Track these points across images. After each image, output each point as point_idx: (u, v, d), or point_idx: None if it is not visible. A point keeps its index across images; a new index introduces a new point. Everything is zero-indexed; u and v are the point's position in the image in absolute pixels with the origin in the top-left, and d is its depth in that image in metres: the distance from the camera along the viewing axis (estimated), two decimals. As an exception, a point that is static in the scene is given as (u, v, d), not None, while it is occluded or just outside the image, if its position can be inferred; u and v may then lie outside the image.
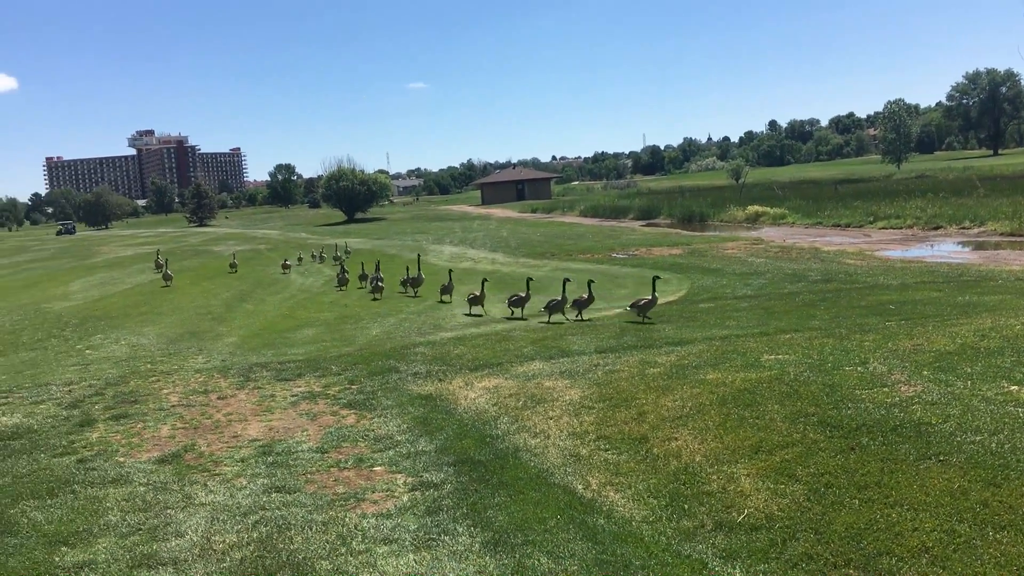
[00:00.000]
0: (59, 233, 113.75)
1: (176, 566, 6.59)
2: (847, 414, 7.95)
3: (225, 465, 9.08)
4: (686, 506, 7.00)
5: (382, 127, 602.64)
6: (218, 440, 10.05)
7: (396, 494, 7.95)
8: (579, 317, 17.88)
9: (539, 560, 6.31)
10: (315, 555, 6.68)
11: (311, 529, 7.19)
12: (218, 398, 12.21)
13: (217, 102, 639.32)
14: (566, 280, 18.43)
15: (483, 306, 19.92)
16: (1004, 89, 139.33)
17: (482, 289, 20.06)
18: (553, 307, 17.87)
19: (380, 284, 25.31)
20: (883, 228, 41.55)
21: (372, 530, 7.11)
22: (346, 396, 11.87)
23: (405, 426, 10.19)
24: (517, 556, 6.40)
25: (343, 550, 6.75)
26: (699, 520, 6.72)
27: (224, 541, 7.00)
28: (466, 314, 19.96)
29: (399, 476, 8.45)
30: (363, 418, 10.70)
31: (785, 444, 7.62)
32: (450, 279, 23.20)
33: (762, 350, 11.54)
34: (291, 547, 6.84)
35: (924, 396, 8.15)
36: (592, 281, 18.75)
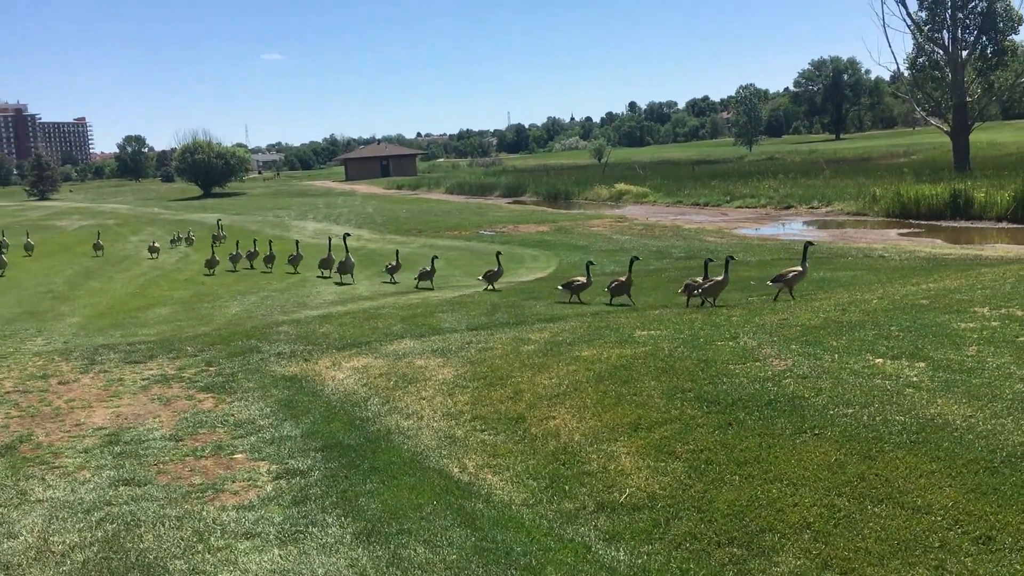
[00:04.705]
0: None
1: (8, 571, 5.90)
2: (723, 389, 7.93)
3: (66, 457, 8.29)
4: (567, 487, 6.80)
5: (239, 99, 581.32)
6: (58, 429, 9.20)
7: (259, 483, 7.43)
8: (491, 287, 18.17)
9: (415, 550, 5.97)
10: (168, 554, 6.12)
11: (164, 525, 6.61)
12: (59, 383, 11.24)
13: (59, 69, 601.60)
14: (498, 254, 18.61)
15: (431, 281, 19.22)
16: (846, 76, 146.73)
17: (432, 265, 19.32)
18: (491, 276, 17.93)
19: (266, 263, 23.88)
20: (739, 207, 42.97)
21: (233, 524, 6.59)
22: (203, 379, 11.14)
23: (268, 410, 9.61)
24: (392, 547, 6.04)
25: (200, 547, 6.21)
26: (580, 502, 6.53)
27: (64, 542, 6.34)
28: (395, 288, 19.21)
29: (262, 464, 7.92)
30: (222, 402, 10.05)
31: (663, 421, 7.53)
32: (347, 255, 21.35)
33: (634, 326, 11.50)
34: (141, 546, 6.26)
35: (795, 370, 8.23)
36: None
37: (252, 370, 11.50)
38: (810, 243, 15.49)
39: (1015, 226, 28.92)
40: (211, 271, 24.33)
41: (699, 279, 14.19)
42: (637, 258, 16.69)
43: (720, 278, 13.79)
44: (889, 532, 5.34)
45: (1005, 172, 37.60)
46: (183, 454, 8.26)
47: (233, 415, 9.47)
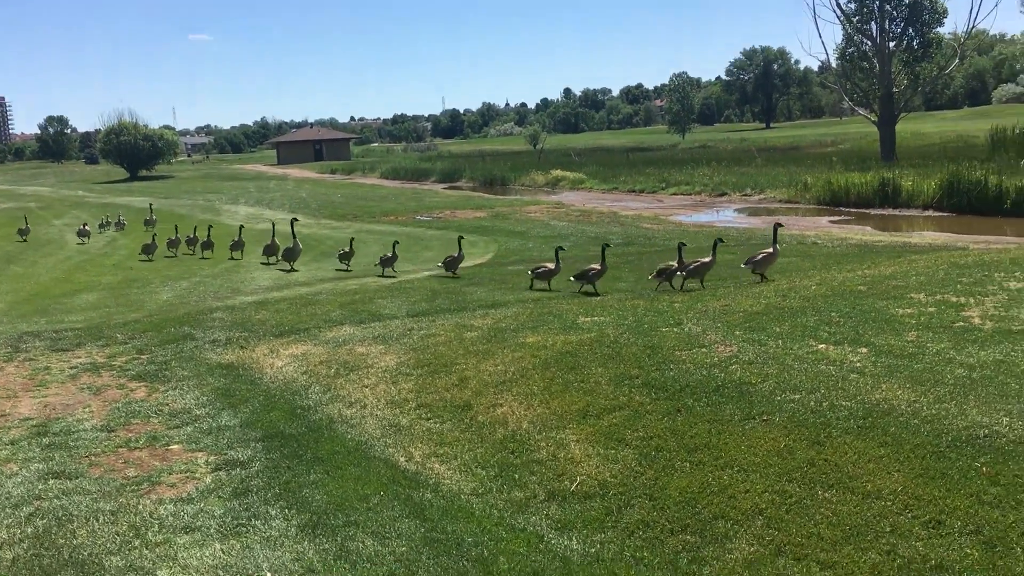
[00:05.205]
0: None
1: (-71, 573, 5.58)
2: (670, 376, 7.92)
3: (-9, 450, 7.91)
4: (516, 476, 6.70)
5: (165, 80, 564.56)
6: (-19, 421, 8.78)
7: (197, 475, 7.18)
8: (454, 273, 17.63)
9: (363, 542, 5.81)
10: (103, 550, 5.87)
11: (98, 520, 6.34)
12: (-19, 373, 10.74)
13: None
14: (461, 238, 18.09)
15: (393, 267, 18.57)
16: (776, 66, 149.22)
17: (393, 250, 18.60)
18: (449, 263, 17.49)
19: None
20: (675, 194, 43.36)
21: (171, 518, 6.35)
22: (134, 367, 10.77)
23: (205, 399, 9.32)
24: (339, 539, 5.88)
25: (137, 543, 5.97)
26: (531, 490, 6.45)
27: (-9, 540, 6.02)
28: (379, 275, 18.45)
29: (200, 455, 7.66)
30: (155, 391, 9.72)
31: (612, 408, 7.48)
32: (295, 241, 20.47)
33: (577, 312, 11.46)
34: (74, 542, 5.99)
35: (741, 356, 8.26)
36: (462, 237, 18.57)
37: (186, 358, 11.15)
38: (779, 224, 15.43)
39: (940, 214, 29.72)
40: (149, 257, 23.47)
41: (672, 263, 14.13)
42: (608, 245, 15.98)
43: (708, 259, 13.75)
44: (840, 517, 5.37)
45: (930, 161, 38.61)
46: (116, 445, 7.95)
47: (168, 404, 9.16)
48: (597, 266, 14.53)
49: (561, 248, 15.90)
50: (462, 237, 18.63)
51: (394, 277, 17.91)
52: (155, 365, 10.82)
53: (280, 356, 10.87)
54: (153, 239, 24.21)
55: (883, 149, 46.56)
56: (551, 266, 15.16)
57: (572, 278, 14.76)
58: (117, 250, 26.62)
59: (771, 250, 14.09)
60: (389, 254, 18.42)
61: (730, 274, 15.64)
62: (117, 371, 10.60)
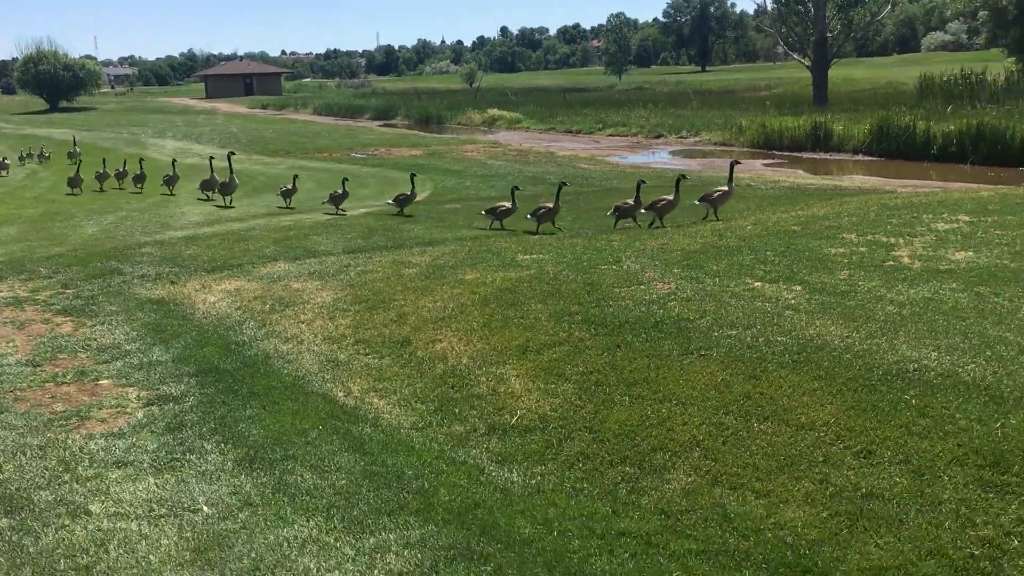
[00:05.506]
0: None
1: None
2: (609, 312, 7.95)
3: (-92, 385, 7.60)
4: (456, 410, 6.69)
5: (86, 7, 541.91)
6: None
7: (129, 410, 7.01)
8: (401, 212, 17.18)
9: (302, 476, 5.76)
10: (32, 485, 5.72)
11: (25, 455, 6.17)
12: None
13: None
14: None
15: (342, 205, 17.91)
16: (712, 9, 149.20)
17: (343, 187, 17.83)
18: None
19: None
20: (611, 135, 43.32)
21: (102, 452, 6.20)
22: (59, 301, 10.42)
23: (135, 334, 9.07)
24: (277, 473, 5.81)
25: (67, 477, 5.82)
26: (471, 424, 6.45)
27: (-89, 477, 5.81)
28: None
29: (131, 390, 7.47)
30: (82, 326, 9.42)
31: (552, 343, 7.50)
32: (232, 176, 19.60)
33: (516, 250, 11.42)
34: (0, 477, 5.80)
35: (679, 293, 8.33)
36: (414, 175, 18.21)
37: (114, 293, 10.82)
38: (737, 161, 15.50)
39: (870, 159, 30.27)
40: (76, 191, 22.57)
41: (630, 201, 14.10)
42: (565, 183, 15.58)
43: (671, 197, 13.70)
44: (775, 448, 5.49)
45: (860, 107, 39.16)
46: (42, 380, 7.70)
47: (96, 339, 8.89)
48: (549, 204, 14.44)
49: (516, 188, 15.42)
50: (415, 175, 18.20)
51: (343, 214, 17.48)
52: (81, 300, 10.48)
53: (212, 292, 10.63)
54: (78, 172, 23.23)
55: (816, 94, 47.06)
56: (508, 205, 14.86)
57: (528, 216, 14.60)
58: (39, 183, 25.62)
59: (726, 188, 14.29)
60: (339, 191, 17.79)
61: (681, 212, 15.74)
62: (41, 305, 10.25)
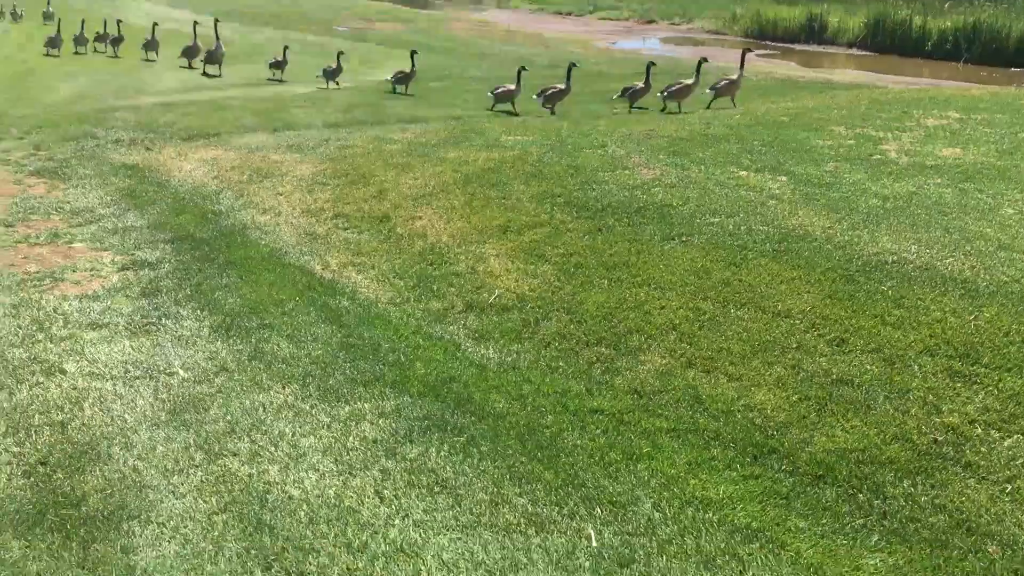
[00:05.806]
0: None
1: None
2: (592, 195, 7.87)
3: None
4: (434, 287, 6.67)
5: None
6: None
7: (103, 274, 6.94)
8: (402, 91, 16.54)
9: (278, 344, 5.76)
10: (4, 343, 5.70)
11: (-2, 314, 6.10)
12: None
13: None
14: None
15: (336, 80, 17.29)
16: None
17: (338, 61, 17.17)
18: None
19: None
20: (603, 19, 42.21)
21: (76, 314, 6.16)
22: (32, 163, 10.19)
23: (109, 198, 8.92)
24: (253, 341, 5.80)
25: (40, 336, 5.80)
26: (449, 301, 6.43)
27: None
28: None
29: (105, 254, 7.38)
30: (55, 188, 9.25)
31: (533, 224, 7.43)
32: (218, 43, 18.92)
33: (500, 130, 11.22)
34: (-28, 334, 5.77)
35: (663, 179, 8.24)
36: (415, 52, 17.96)
37: (87, 156, 10.59)
38: (748, 49, 15.53)
39: (864, 53, 29.74)
40: (54, 51, 21.73)
41: (639, 83, 14.25)
42: (575, 64, 14.79)
43: (691, 81, 13.96)
44: (751, 334, 5.52)
45: (857, -1, 38.32)
46: (15, 240, 7.59)
47: (69, 202, 8.74)
48: (560, 86, 14.03)
49: (524, 68, 14.69)
50: (415, 52, 17.49)
51: (338, 88, 17.00)
52: (54, 162, 10.26)
53: (189, 160, 10.41)
54: (58, 32, 22.31)
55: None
56: (512, 87, 14.36)
57: (535, 96, 14.18)
58: (8, 41, 24.75)
59: (735, 77, 14.30)
60: (334, 65, 17.16)
61: (657, 102, 15.48)
62: (13, 166, 10.02)
